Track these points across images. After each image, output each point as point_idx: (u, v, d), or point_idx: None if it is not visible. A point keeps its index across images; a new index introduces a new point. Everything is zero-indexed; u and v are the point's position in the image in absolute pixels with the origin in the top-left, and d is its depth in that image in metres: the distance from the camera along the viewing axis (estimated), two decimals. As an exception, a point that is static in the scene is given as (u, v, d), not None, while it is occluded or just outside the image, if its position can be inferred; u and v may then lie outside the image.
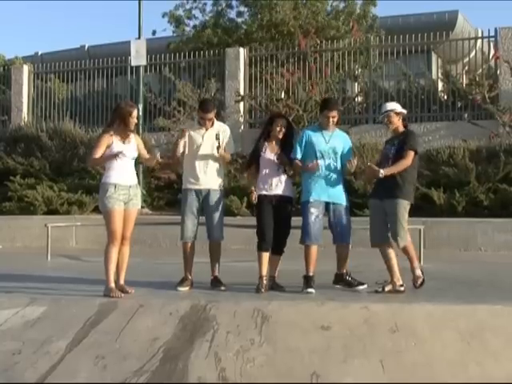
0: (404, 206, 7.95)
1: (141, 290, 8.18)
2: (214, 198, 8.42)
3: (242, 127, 18.64)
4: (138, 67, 17.18)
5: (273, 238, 8.19)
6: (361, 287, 8.22)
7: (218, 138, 8.30)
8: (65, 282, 8.94)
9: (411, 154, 8.02)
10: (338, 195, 8.26)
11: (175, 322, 6.98)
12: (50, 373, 6.40)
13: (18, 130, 19.68)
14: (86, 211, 16.13)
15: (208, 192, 8.40)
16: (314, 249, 8.11)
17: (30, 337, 6.96)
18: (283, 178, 8.29)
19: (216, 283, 8.44)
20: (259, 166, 8.37)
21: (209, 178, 8.41)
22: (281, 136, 8.35)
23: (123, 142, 8.12)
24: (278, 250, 8.32)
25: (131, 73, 19.59)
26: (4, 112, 21.52)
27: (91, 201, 16.17)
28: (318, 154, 8.21)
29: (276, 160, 8.26)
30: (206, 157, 8.39)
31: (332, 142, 8.28)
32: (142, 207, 15.73)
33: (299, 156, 8.29)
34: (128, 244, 8.30)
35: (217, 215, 8.45)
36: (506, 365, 6.28)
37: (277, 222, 8.22)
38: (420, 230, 11.41)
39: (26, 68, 21.71)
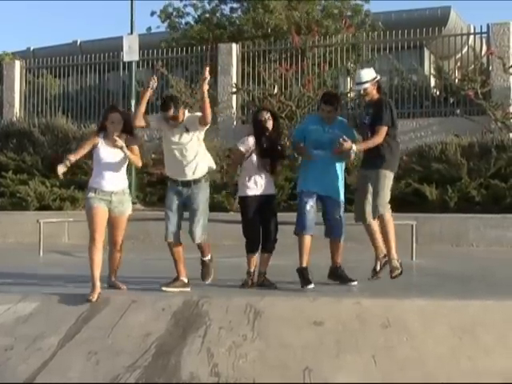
0: (387, 175, 7.92)
1: (133, 286, 8.18)
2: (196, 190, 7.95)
3: (235, 123, 18.65)
4: (130, 63, 17.16)
5: (262, 237, 8.19)
6: (352, 283, 8.16)
7: (187, 129, 7.76)
8: (57, 278, 8.93)
9: (383, 129, 7.91)
10: (333, 189, 8.16)
11: (168, 318, 6.98)
12: (43, 369, 6.41)
13: (10, 125, 19.54)
14: (78, 207, 16.09)
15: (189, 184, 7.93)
16: (307, 239, 8.03)
17: (22, 333, 6.96)
18: (268, 176, 8.21)
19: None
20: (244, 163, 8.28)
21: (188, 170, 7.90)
22: (269, 126, 8.18)
23: (111, 146, 7.79)
24: (268, 248, 8.24)
25: (124, 68, 19.54)
26: (-5, 107, 21.48)
27: (84, 197, 16.06)
28: (315, 144, 8.13)
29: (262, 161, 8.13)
30: (182, 155, 7.88)
31: (331, 133, 8.11)
32: (134, 203, 15.74)
33: (299, 138, 8.32)
34: (119, 250, 8.17)
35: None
36: (498, 360, 6.31)
37: (264, 221, 8.18)
38: (412, 226, 11.43)
39: (17, 63, 21.66)
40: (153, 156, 17.27)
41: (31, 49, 28.68)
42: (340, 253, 8.30)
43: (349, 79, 19.62)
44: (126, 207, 8.05)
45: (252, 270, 8.18)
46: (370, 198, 8.12)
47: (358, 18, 21.93)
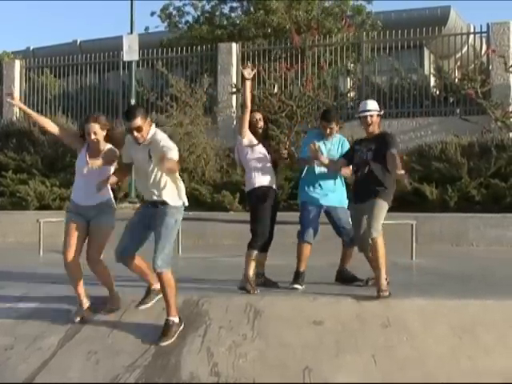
0: (384, 205, 7.51)
1: (132, 286, 8.16)
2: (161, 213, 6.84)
3: (235, 122, 18.63)
4: (130, 62, 17.16)
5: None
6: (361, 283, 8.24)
7: (150, 156, 6.66)
8: (57, 278, 8.92)
9: (396, 156, 7.57)
10: (338, 199, 8.29)
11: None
12: (42, 368, 6.43)
13: (10, 124, 19.58)
14: (78, 206, 16.08)
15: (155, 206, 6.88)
16: (307, 247, 8.08)
17: (22, 332, 6.97)
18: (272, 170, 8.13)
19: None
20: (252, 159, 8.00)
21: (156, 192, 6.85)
22: (260, 126, 8.07)
23: (90, 156, 7.10)
24: (267, 247, 8.04)
25: (123, 68, 19.55)
26: (-5, 107, 21.47)
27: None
28: (318, 162, 8.12)
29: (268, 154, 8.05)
30: (146, 174, 6.81)
31: (332, 150, 8.33)
32: (132, 202, 15.76)
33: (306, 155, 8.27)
34: (97, 265, 7.28)
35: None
36: (498, 359, 6.32)
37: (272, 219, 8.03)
38: (412, 225, 11.43)
39: (17, 63, 21.67)
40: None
41: (31, 48, 28.66)
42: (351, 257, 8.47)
43: (348, 79, 19.62)
44: (104, 221, 7.28)
45: (252, 273, 7.90)
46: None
47: (359, 18, 21.90)
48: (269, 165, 7.99)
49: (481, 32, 17.85)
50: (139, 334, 6.74)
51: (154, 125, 6.95)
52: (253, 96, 7.93)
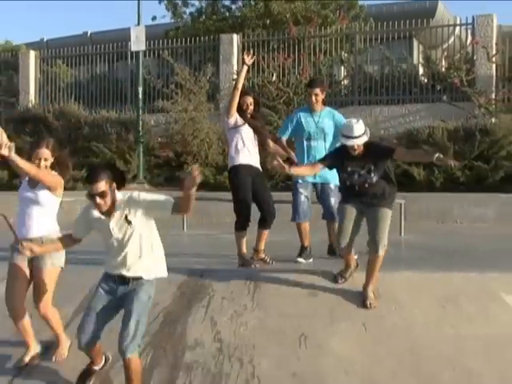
0: (389, 215, 6.69)
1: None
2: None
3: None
4: (137, 52, 17.13)
5: (260, 211, 7.85)
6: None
7: (129, 222, 5.40)
8: (71, 252, 8.96)
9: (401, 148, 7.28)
10: (326, 175, 7.83)
11: (174, 290, 7.05)
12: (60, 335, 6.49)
13: (26, 111, 19.70)
14: (90, 187, 16.11)
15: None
16: (304, 225, 8.04)
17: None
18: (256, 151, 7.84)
19: None
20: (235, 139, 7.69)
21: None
22: (250, 111, 7.76)
23: (32, 186, 6.10)
24: (264, 223, 7.83)
25: (131, 58, 19.53)
26: (12, 95, 21.42)
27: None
28: (307, 136, 7.98)
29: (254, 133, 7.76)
30: (120, 245, 5.47)
31: (321, 123, 7.99)
32: (141, 183, 15.82)
33: (285, 136, 8.16)
34: (45, 309, 6.24)
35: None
36: (478, 328, 6.40)
37: (259, 195, 7.74)
38: (401, 204, 11.46)
39: (32, 53, 21.59)
40: (159, 140, 17.29)
41: (45, 40, 28.59)
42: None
43: (342, 68, 19.59)
44: (48, 259, 6.12)
45: (244, 250, 7.83)
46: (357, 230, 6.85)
47: (353, 11, 21.82)
48: (252, 145, 7.71)
49: (466, 24, 17.78)
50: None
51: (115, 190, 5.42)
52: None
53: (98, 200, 5.27)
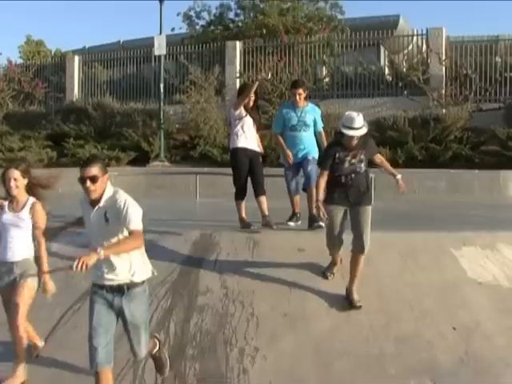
0: (370, 212, 6.08)
1: (162, 222, 8.14)
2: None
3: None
4: (159, 56, 17.04)
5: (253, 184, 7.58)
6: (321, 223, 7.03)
7: (107, 219, 4.36)
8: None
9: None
10: (308, 151, 7.63)
11: (188, 247, 7.00)
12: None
13: (71, 104, 19.70)
14: (121, 164, 16.08)
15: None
16: (295, 197, 7.88)
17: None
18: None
19: None
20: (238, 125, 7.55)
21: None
22: (251, 99, 7.56)
23: (12, 210, 5.27)
24: (257, 193, 7.54)
25: (155, 60, 19.28)
26: (60, 91, 21.36)
27: (125, 156, 16.19)
28: (291, 127, 7.69)
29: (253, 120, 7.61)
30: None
31: (303, 117, 7.68)
32: (162, 161, 15.80)
33: (279, 130, 7.83)
34: (18, 334, 5.09)
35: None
36: (431, 275, 6.40)
37: (253, 171, 7.53)
38: (372, 178, 11.40)
39: (76, 58, 21.54)
40: (176, 126, 17.24)
41: (86, 47, 28.31)
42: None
43: (324, 68, 19.39)
44: (29, 279, 5.19)
45: (243, 215, 7.59)
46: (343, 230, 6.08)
47: (332, 23, 21.64)
48: (251, 131, 7.57)
49: (422, 34, 17.80)
50: (167, 258, 6.74)
51: (110, 186, 4.50)
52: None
53: (88, 183, 4.35)
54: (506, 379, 5.28)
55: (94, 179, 4.36)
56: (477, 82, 16.54)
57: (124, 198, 4.37)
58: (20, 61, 25.74)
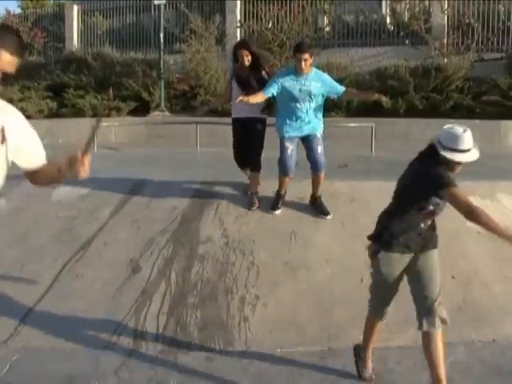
0: None
1: (162, 172, 8.09)
2: None
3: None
4: (159, 5, 16.76)
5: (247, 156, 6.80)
6: (328, 217, 6.50)
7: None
8: (107, 167, 8.85)
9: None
10: (312, 127, 6.39)
11: (189, 195, 6.93)
12: (99, 232, 6.44)
13: (71, 54, 19.42)
14: (121, 114, 15.93)
15: None
16: (285, 179, 6.50)
17: (83, 207, 6.94)
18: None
19: None
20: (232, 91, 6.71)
21: None
22: (247, 64, 6.52)
23: None
24: (253, 168, 6.80)
25: (154, 9, 18.95)
26: (60, 41, 21.05)
27: (126, 106, 16.01)
28: (293, 99, 6.27)
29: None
30: None
31: (307, 86, 6.23)
32: (162, 111, 15.68)
33: (266, 94, 6.20)
34: None
35: None
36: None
37: (247, 143, 6.72)
38: (372, 128, 11.34)
39: (75, 7, 21.12)
40: (177, 76, 17.03)
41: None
42: (321, 184, 6.59)
43: (325, 17, 19.02)
44: None
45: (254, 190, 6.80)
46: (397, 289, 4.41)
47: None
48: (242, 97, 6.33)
49: (426, -19, 17.41)
50: (168, 207, 6.71)
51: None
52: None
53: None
54: (504, 327, 5.29)
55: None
56: (479, 32, 16.23)
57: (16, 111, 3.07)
58: (18, 11, 25.30)
